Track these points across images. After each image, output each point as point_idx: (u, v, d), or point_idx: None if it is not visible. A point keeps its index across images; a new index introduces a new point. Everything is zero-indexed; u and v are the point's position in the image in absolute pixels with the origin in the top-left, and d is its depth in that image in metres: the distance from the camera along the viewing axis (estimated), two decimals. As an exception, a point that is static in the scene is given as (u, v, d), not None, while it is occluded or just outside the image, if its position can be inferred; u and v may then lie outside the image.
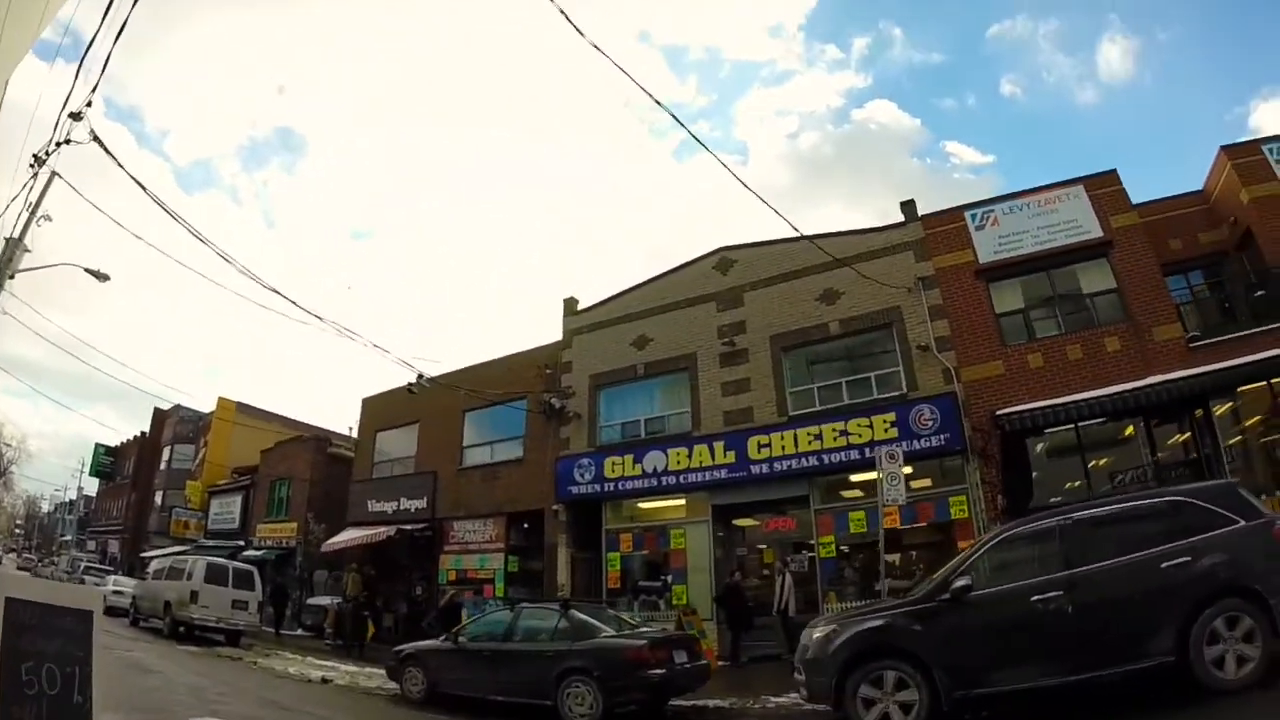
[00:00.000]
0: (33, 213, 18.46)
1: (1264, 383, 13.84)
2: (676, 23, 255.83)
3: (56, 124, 10.73)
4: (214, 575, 20.02)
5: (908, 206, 18.13)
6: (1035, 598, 7.22)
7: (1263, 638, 6.69)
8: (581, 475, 20.03)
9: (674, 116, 8.90)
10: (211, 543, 36.93)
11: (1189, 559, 6.99)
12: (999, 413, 15.10)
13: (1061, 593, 7.14)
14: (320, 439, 32.90)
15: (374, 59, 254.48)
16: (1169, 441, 14.96)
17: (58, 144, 11.00)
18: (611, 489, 19.54)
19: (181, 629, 19.52)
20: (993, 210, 17.12)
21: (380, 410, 27.31)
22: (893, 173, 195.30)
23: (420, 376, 18.31)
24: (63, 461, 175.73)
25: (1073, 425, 14.91)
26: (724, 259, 19.94)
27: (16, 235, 17.86)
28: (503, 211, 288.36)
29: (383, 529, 23.89)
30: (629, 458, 19.44)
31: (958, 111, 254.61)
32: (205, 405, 47.17)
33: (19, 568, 67.96)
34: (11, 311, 16.88)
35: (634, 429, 20.34)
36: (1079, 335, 15.62)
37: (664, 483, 18.80)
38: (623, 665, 10.28)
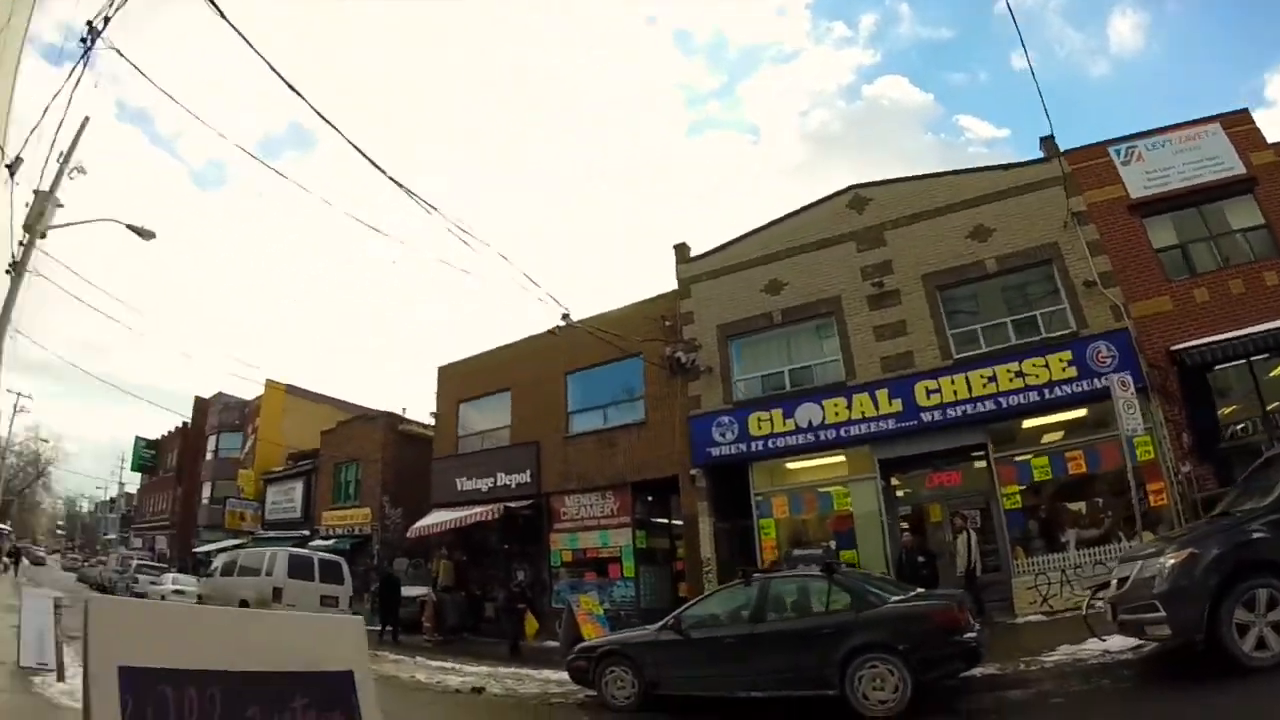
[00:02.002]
0: (64, 161, 16.89)
1: None
2: (683, 7, 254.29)
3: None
4: (298, 568, 18.56)
5: (1048, 143, 17.38)
6: None
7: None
8: (722, 435, 18.24)
9: None
10: (271, 534, 35.95)
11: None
12: (1175, 348, 14.84)
13: None
14: (390, 416, 31.10)
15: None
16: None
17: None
18: (760, 448, 17.91)
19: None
20: (1135, 146, 16.74)
21: (461, 379, 25.45)
22: (906, 147, 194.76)
23: (565, 316, 16.29)
24: (100, 462, 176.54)
25: (1245, 360, 14.66)
26: (857, 197, 18.69)
27: (47, 188, 16.40)
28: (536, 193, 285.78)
29: (479, 509, 22.02)
30: (777, 412, 17.85)
31: (969, 86, 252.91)
32: (247, 391, 45.86)
33: (64, 568, 69.06)
34: (46, 274, 15.27)
35: (776, 381, 18.75)
36: (1239, 269, 15.46)
37: (821, 437, 17.34)
38: (934, 633, 8.69)
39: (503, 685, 12.73)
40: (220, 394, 50.22)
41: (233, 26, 7.89)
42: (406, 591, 24.71)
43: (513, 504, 21.60)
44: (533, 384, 22.58)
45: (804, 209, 19.30)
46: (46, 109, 11.45)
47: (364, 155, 10.23)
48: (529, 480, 21.78)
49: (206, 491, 48.27)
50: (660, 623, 10.99)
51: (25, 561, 56.50)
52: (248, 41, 8.11)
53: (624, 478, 20.05)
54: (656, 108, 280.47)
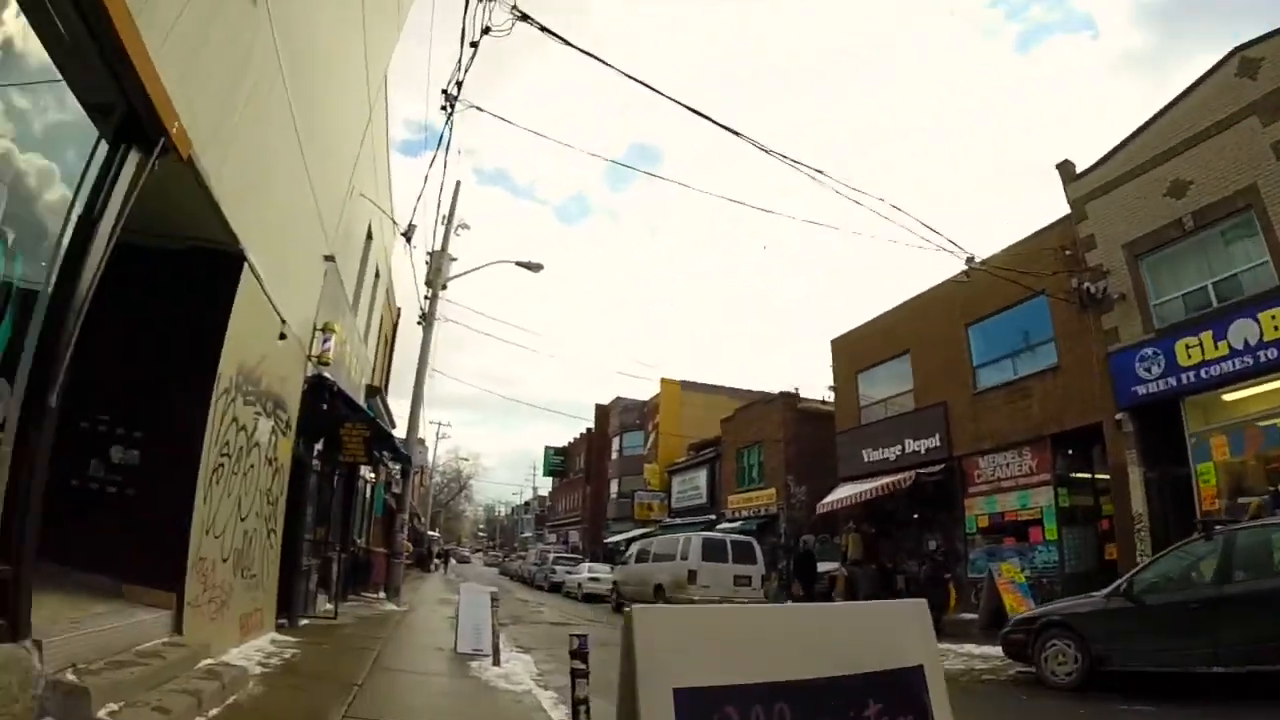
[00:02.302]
0: (449, 222, 20.11)
1: None
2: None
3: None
4: (712, 551, 19.87)
5: None
6: None
7: None
8: (1147, 370, 16.86)
9: None
10: (678, 521, 39.05)
11: None
12: None
13: None
14: (788, 396, 32.77)
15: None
16: None
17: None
18: (1190, 380, 16.12)
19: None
20: None
21: (855, 349, 26.36)
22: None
23: (969, 260, 16.33)
24: (513, 472, 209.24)
25: None
26: (1244, 60, 15.78)
27: (439, 247, 19.67)
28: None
29: (886, 479, 22.55)
30: (1207, 335, 15.82)
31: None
32: (643, 393, 49.83)
33: (486, 564, 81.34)
34: (451, 316, 18.40)
35: (1198, 299, 16.57)
36: None
37: (1261, 359, 15.03)
38: None
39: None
40: (619, 398, 55.62)
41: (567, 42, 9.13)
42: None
43: (924, 470, 21.85)
44: (931, 343, 22.65)
45: (1187, 92, 17.04)
46: (426, 177, 14.10)
47: (719, 124, 11.17)
48: (938, 444, 21.98)
49: (614, 487, 53.32)
50: (1109, 588, 10.11)
51: (453, 561, 68.40)
52: (588, 53, 9.31)
53: (1040, 431, 19.41)
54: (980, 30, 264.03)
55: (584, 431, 65.32)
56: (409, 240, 16.17)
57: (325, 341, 11.48)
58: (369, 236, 17.02)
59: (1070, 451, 19.41)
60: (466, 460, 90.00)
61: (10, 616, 4.07)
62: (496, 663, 9.55)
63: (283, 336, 9.20)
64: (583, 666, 4.12)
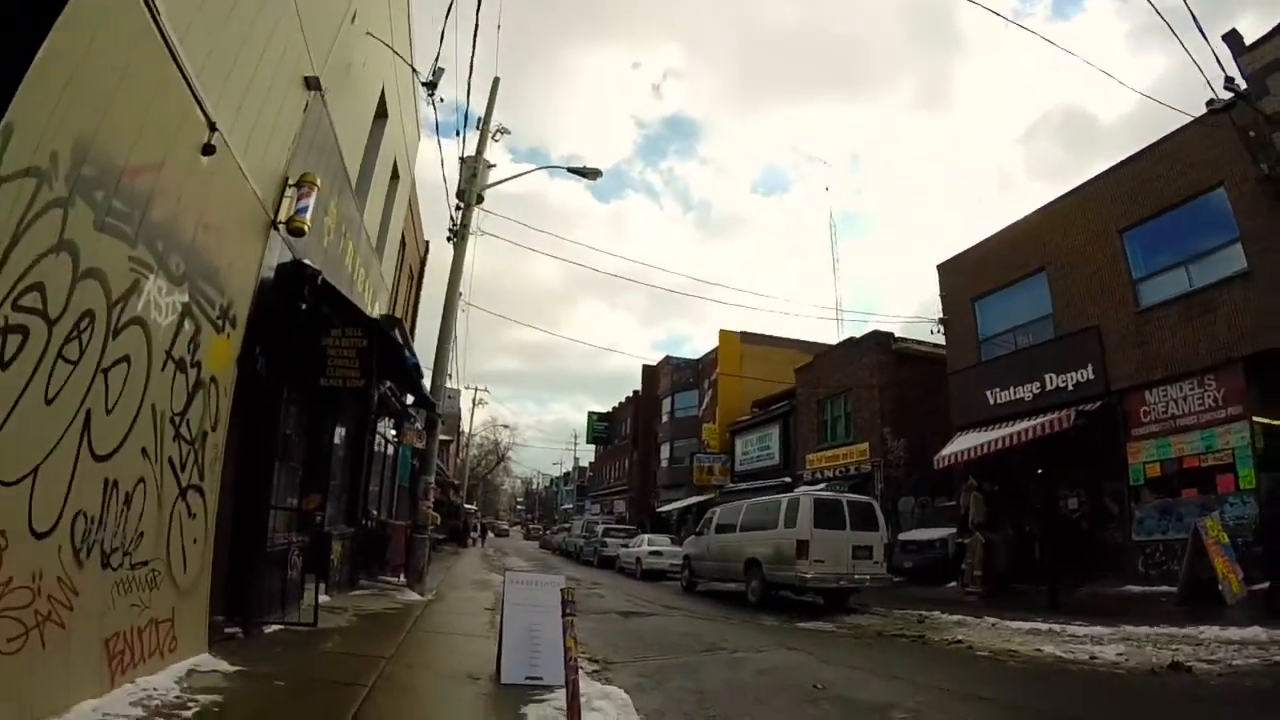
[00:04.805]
0: (484, 126, 17.34)
1: None
2: None
3: None
4: (826, 515, 15.96)
5: None
6: None
7: None
8: None
9: None
10: (743, 485, 36.25)
11: None
12: None
13: None
14: (881, 335, 29.06)
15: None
16: None
17: None
18: None
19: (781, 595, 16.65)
20: None
21: (971, 272, 22.93)
22: None
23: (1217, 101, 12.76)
24: (550, 445, 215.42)
25: None
26: None
27: (474, 152, 17.34)
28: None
29: (1025, 422, 19.10)
30: None
31: None
32: (695, 350, 47.19)
33: (525, 538, 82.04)
34: (486, 228, 15.33)
35: None
36: None
37: None
38: None
39: (1167, 652, 9.68)
40: (668, 357, 53.29)
41: None
42: (912, 535, 22.42)
43: (1082, 408, 18.25)
44: (1073, 256, 19.31)
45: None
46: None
47: None
48: (1091, 377, 18.43)
49: (665, 452, 50.86)
50: None
51: (491, 534, 68.35)
52: None
53: (1228, 353, 15.89)
54: None
55: (630, 395, 63.48)
56: (432, 93, 12.61)
57: (301, 201, 7.97)
58: (382, 113, 13.66)
59: (1269, 378, 15.59)
60: (507, 428, 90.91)
61: None
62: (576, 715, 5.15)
63: (209, 150, 5.79)
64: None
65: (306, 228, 7.98)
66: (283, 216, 7.90)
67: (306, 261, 8.79)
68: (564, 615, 5.50)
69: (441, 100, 12.80)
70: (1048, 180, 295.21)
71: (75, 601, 4.59)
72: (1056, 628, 12.09)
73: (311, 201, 8.01)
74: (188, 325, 5.99)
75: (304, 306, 8.60)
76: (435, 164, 52.18)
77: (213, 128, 5.81)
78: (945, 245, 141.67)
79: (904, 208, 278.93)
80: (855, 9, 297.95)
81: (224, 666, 6.37)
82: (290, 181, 8.03)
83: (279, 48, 7.27)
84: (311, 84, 8.36)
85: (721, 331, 44.21)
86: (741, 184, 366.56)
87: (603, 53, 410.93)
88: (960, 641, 11.45)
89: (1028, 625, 12.54)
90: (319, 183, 8.26)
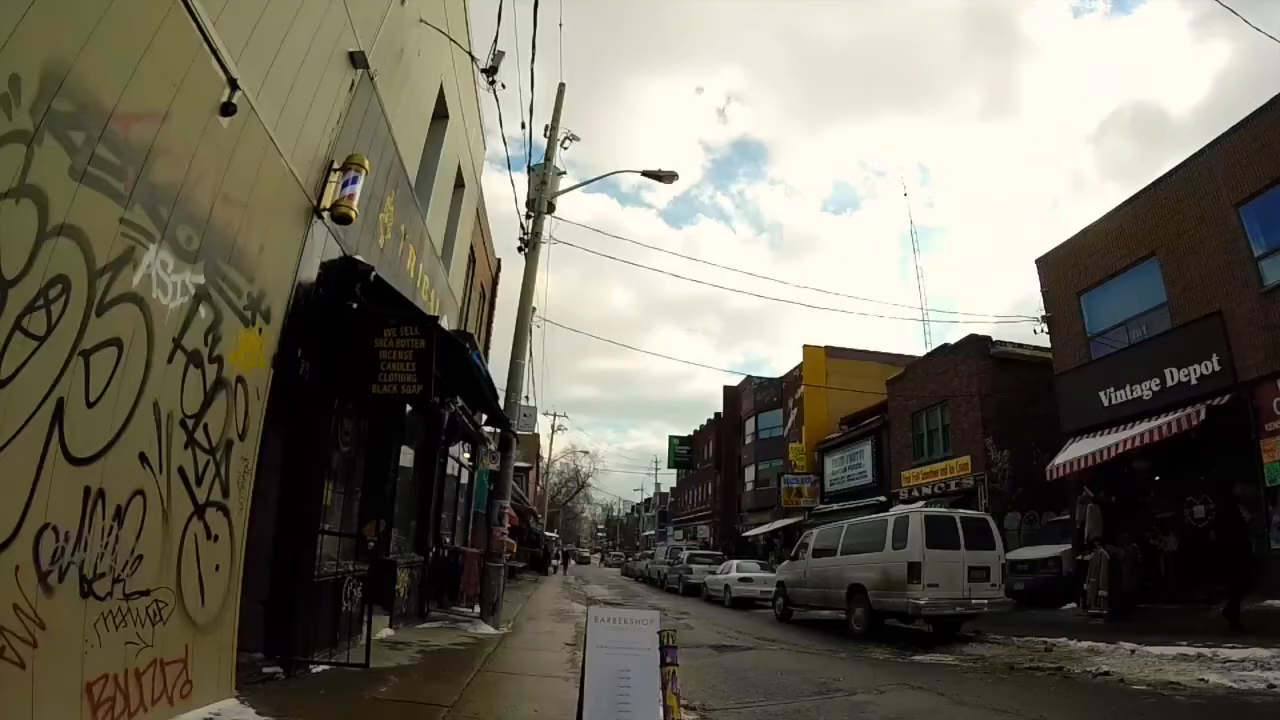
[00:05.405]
0: (552, 131, 16.90)
1: None
2: None
3: None
4: (938, 534, 14.50)
5: None
6: None
7: None
8: None
9: None
10: (834, 506, 35.18)
11: None
12: None
13: None
14: (979, 340, 27.40)
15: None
16: None
17: None
18: None
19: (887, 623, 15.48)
20: None
21: (1074, 264, 21.35)
22: None
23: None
24: (631, 472, 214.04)
25: None
26: None
27: (543, 160, 16.75)
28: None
29: (1146, 424, 17.47)
30: None
31: None
32: (776, 369, 46.26)
33: (606, 565, 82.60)
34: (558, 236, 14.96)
35: None
36: None
37: None
38: None
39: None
40: (750, 377, 52.13)
41: None
42: (1023, 553, 20.86)
43: (1213, 402, 16.54)
44: (1185, 236, 17.74)
45: None
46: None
47: None
48: (1217, 368, 16.72)
49: (749, 475, 49.90)
50: None
51: (573, 562, 68.35)
52: None
53: (1381, 332, 14.27)
54: None
55: (711, 418, 62.65)
56: (492, 80, 11.79)
57: (349, 185, 7.20)
58: (442, 114, 13.01)
59: None
60: (587, 454, 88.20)
61: None
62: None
63: (229, 109, 5.08)
64: None
65: (354, 213, 7.22)
66: (327, 203, 7.17)
67: (358, 257, 8.06)
68: (663, 664, 4.64)
69: (504, 87, 11.95)
70: (1122, 179, 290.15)
71: (41, 636, 3.76)
72: (1207, 652, 10.78)
73: (359, 186, 7.26)
74: (204, 312, 5.23)
75: (355, 306, 7.81)
76: (502, 183, 52.13)
77: (234, 85, 5.11)
78: (1024, 250, 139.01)
79: (978, 217, 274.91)
80: (913, 20, 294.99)
81: (249, 716, 5.48)
82: (335, 166, 7.31)
83: (315, 12, 6.59)
84: (358, 60, 7.71)
85: (805, 346, 42.74)
86: (812, 203, 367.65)
87: (664, 80, 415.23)
88: (1107, 673, 10.15)
89: (1174, 650, 11.19)
90: (368, 166, 7.52)
